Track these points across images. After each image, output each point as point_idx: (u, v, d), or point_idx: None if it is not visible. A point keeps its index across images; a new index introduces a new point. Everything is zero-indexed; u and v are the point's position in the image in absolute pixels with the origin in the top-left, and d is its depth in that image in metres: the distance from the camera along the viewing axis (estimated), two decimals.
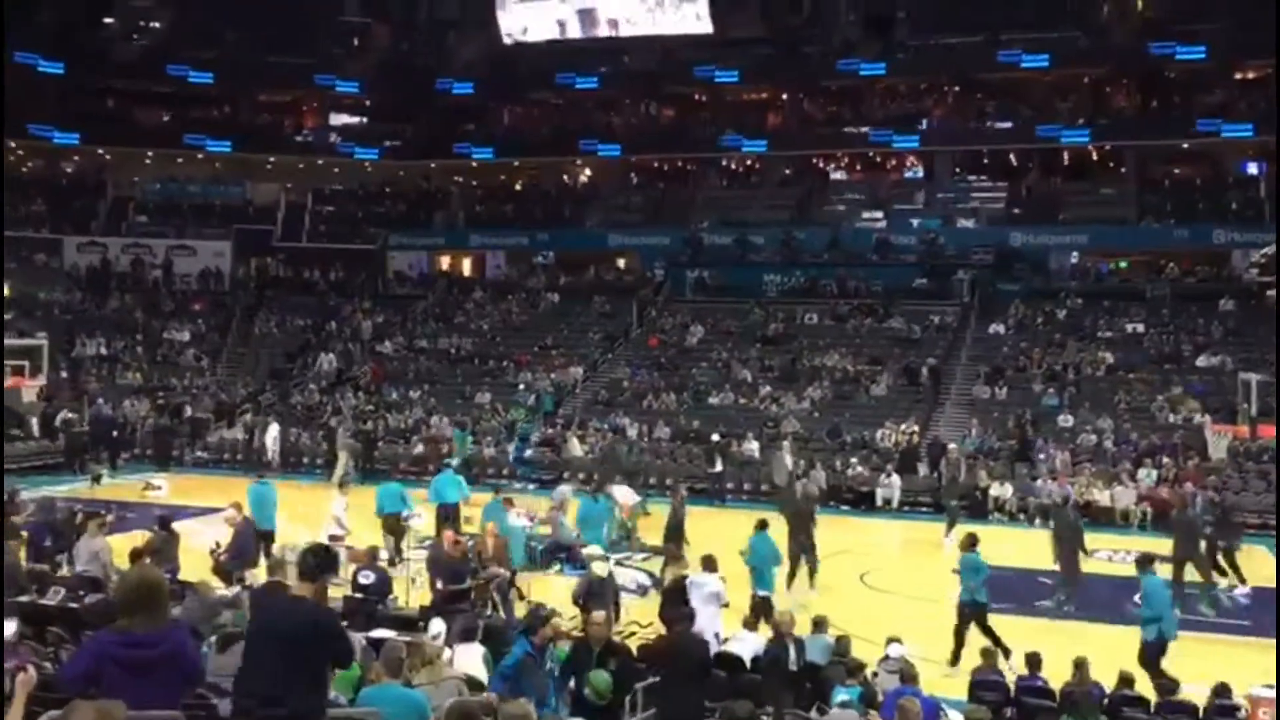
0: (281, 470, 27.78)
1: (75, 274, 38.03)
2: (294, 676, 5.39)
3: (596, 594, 11.74)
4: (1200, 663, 11.70)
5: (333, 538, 15.61)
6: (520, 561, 15.61)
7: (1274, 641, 11.76)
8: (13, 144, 38.73)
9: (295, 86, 41.29)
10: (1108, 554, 18.87)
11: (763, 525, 14.79)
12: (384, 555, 15.21)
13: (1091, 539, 18.68)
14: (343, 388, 32.63)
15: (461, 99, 41.36)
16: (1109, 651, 11.70)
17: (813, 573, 16.04)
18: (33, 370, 29.77)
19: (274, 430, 28.41)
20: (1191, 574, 16.01)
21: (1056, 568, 16.37)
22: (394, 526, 16.99)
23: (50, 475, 25.98)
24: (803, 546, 16.01)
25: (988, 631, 12.61)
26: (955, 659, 12.55)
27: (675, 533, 16.59)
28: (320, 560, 5.91)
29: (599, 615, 9.36)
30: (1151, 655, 11.63)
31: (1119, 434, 26.04)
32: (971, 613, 12.90)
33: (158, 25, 40.55)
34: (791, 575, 15.75)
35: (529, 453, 27.59)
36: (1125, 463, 24.32)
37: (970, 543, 13.65)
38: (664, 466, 26.32)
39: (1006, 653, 11.57)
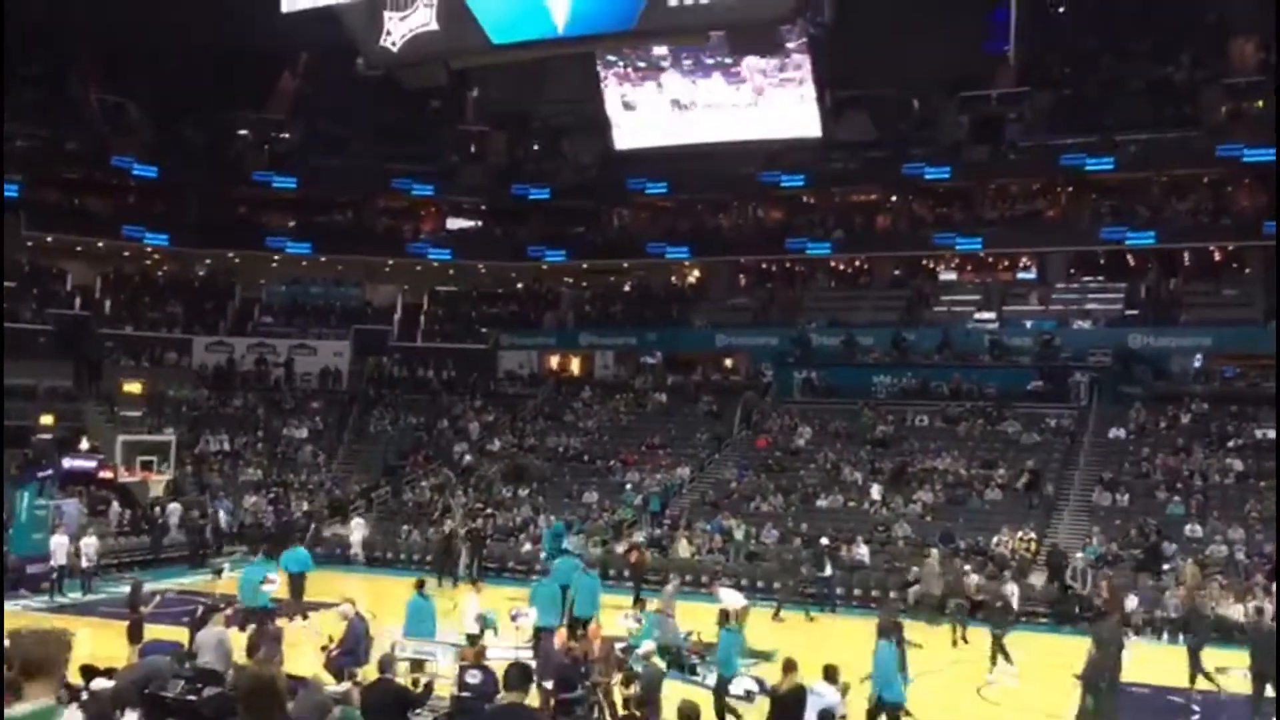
0: (366, 564, 28.35)
1: (203, 372, 39.58)
2: None
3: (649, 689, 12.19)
4: None
5: (471, 637, 15.73)
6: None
7: None
8: (150, 249, 40.96)
9: (374, 189, 42.72)
10: (1243, 672, 17.87)
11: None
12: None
13: (1224, 655, 17.81)
14: (453, 486, 33.08)
15: (557, 204, 42.41)
16: None
17: None
18: (160, 465, 30.87)
19: (357, 522, 29.04)
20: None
21: (1249, 689, 15.33)
22: (298, 586, 20.14)
23: (174, 568, 26.82)
24: None
25: None
26: None
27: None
28: (523, 673, 7.88)
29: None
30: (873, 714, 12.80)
31: (1251, 545, 24.84)
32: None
33: (287, 135, 42.62)
34: None
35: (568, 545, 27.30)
36: (1259, 575, 23.15)
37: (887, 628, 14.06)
38: (770, 569, 25.97)
39: None
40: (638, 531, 29.15)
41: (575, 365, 42.54)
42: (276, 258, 42.70)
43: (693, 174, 39.90)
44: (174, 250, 41.18)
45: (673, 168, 39.91)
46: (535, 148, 44.46)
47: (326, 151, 42.10)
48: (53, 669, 3.75)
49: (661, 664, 14.15)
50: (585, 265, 43.80)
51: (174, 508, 29.34)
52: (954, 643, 20.41)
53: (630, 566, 23.87)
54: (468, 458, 34.77)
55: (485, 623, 16.64)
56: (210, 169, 40.44)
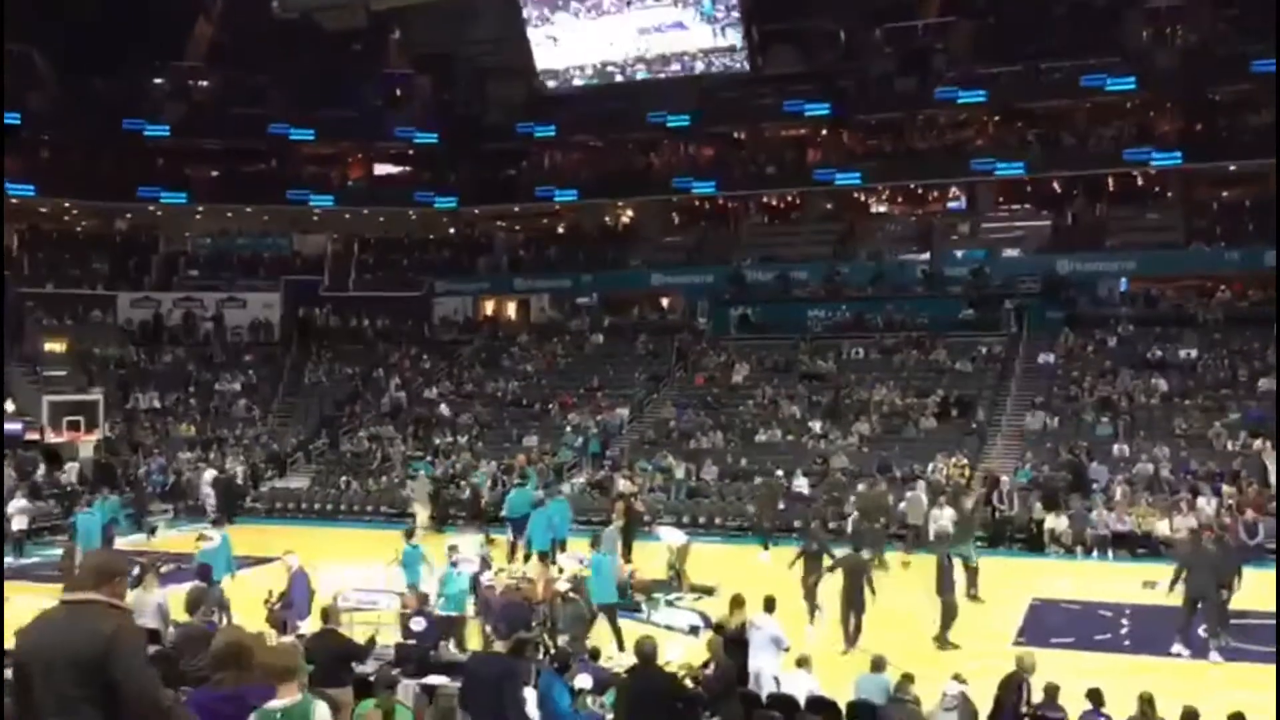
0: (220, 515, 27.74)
1: (129, 329, 38.67)
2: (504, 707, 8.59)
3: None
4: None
5: (473, 579, 15.82)
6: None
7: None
8: (68, 204, 39.66)
9: (260, 139, 41.03)
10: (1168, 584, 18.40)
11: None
12: None
13: (1150, 570, 18.35)
14: (392, 436, 32.82)
15: (446, 149, 41.80)
16: (1171, 685, 11.44)
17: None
18: (89, 425, 30.19)
19: (208, 475, 28.58)
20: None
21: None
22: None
23: None
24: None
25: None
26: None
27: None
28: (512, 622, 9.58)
29: None
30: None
31: (1176, 462, 25.54)
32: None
33: (206, 84, 41.24)
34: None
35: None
36: (1184, 491, 23.83)
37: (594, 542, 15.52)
38: (713, 506, 26.26)
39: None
40: (580, 473, 29.15)
41: (511, 310, 42.30)
42: (199, 209, 41.57)
43: (598, 116, 39.50)
44: (41, 200, 39.09)
45: (583, 111, 39.46)
46: (462, 89, 43.60)
47: (243, 99, 40.83)
48: (296, 674, 4.97)
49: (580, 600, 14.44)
50: (517, 209, 43.33)
51: (72, 465, 28.91)
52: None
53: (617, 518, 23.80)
54: (444, 408, 34.33)
55: (485, 563, 16.65)
56: (87, 117, 38.63)
